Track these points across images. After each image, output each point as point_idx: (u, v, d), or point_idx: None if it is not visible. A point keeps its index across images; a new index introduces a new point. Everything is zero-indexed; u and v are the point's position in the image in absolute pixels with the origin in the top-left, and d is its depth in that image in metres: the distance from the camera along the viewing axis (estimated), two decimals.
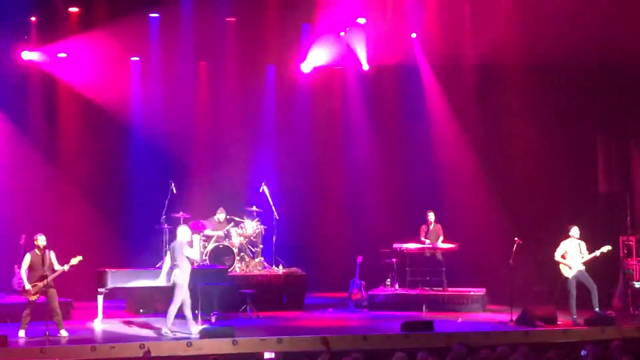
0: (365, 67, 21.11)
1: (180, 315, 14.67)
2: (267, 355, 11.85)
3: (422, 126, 20.95)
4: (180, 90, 20.79)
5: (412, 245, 18.41)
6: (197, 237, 15.45)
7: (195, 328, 14.57)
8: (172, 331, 14.49)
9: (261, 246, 18.94)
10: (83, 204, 20.01)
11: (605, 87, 18.66)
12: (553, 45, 18.50)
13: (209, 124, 21.20)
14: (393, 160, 21.35)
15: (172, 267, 14.72)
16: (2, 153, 19.66)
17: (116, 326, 15.75)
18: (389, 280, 18.62)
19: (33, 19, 19.60)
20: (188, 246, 14.69)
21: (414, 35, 20.84)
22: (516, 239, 15.97)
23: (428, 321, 14.91)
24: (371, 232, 20.69)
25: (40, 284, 14.23)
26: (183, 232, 14.79)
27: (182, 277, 14.55)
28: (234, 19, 20.77)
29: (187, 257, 14.62)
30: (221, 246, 18.22)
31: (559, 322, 15.51)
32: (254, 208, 18.98)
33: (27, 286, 14.25)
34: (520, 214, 19.16)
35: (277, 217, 19.13)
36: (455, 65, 20.31)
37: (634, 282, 17.07)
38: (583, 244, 15.78)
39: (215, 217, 18.73)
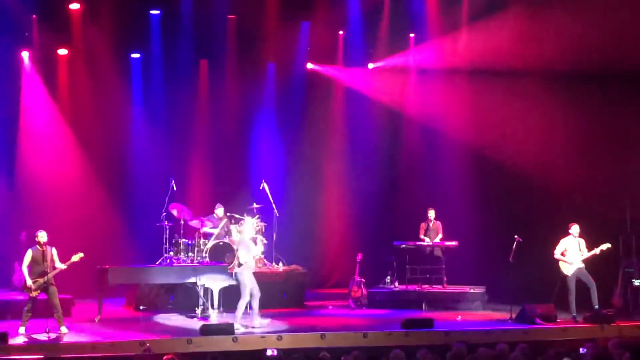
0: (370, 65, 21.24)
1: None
2: (269, 352, 11.86)
3: (424, 122, 20.94)
4: (181, 87, 20.80)
5: (411, 243, 18.45)
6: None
7: (258, 321, 14.92)
8: (243, 325, 14.68)
9: None
10: (83, 201, 20.01)
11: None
12: None
13: (209, 120, 21.21)
14: (394, 157, 21.36)
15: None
16: (1, 150, 19.67)
17: (116, 323, 15.77)
18: (388, 277, 18.64)
19: (34, 16, 19.58)
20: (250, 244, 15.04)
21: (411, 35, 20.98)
22: (516, 236, 15.99)
23: (428, 319, 14.93)
24: (371, 229, 20.70)
25: (41, 280, 14.23)
26: (248, 228, 15.07)
27: (242, 274, 14.87)
28: (234, 17, 20.78)
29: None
30: (221, 243, 18.22)
31: (558, 320, 15.53)
32: (255, 205, 19.00)
33: (29, 282, 14.26)
34: (520, 211, 19.14)
35: (278, 215, 19.15)
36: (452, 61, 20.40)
37: (634, 280, 17.07)
38: (582, 242, 15.82)
39: (214, 214, 18.75)
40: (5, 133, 19.67)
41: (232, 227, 18.58)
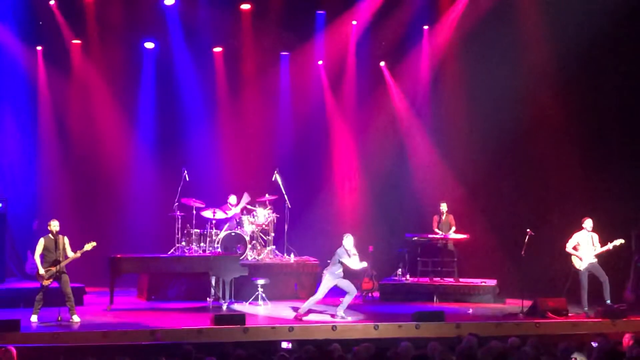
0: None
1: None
2: (284, 344, 11.88)
3: (434, 115, 20.89)
4: (195, 75, 20.81)
5: (423, 236, 18.44)
6: (353, 260, 15.41)
7: (341, 312, 15.14)
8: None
9: (273, 234, 18.96)
10: (96, 190, 20.07)
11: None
12: None
13: (223, 110, 21.19)
14: (405, 149, 21.30)
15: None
16: (16, 141, 19.72)
17: (128, 312, 15.82)
18: (400, 270, 18.63)
19: (52, 2, 19.59)
20: (347, 255, 15.17)
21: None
22: (528, 230, 15.94)
23: (439, 311, 14.93)
24: (383, 221, 20.65)
25: (54, 269, 14.30)
26: (347, 241, 15.26)
27: (327, 278, 15.25)
28: (248, 6, 20.71)
29: (342, 263, 15.21)
30: (233, 234, 18.26)
31: (570, 314, 15.49)
32: (267, 196, 19.00)
33: (41, 271, 14.31)
34: (533, 204, 19.10)
35: (290, 206, 19.15)
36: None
37: None
38: (596, 236, 15.76)
39: (228, 203, 18.76)
40: (18, 122, 19.75)
41: (244, 217, 18.61)
